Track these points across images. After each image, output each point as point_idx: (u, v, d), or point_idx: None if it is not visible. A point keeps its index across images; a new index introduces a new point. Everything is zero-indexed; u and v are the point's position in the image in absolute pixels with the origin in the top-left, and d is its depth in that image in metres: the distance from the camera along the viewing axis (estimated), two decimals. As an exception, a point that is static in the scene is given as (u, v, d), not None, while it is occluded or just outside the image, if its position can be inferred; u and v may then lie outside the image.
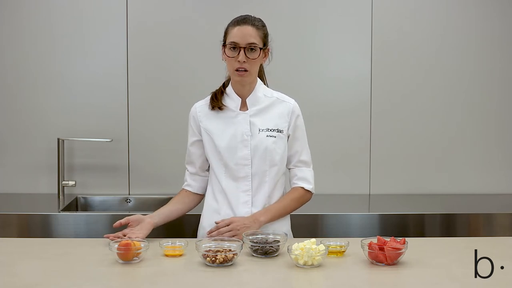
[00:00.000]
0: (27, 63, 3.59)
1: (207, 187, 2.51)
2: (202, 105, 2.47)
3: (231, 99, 2.43)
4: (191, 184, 2.52)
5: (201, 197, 2.54)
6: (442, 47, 3.69)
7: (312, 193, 2.53)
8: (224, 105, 2.42)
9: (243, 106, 2.43)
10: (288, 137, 2.46)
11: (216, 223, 2.36)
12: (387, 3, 3.66)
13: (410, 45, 3.68)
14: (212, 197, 2.47)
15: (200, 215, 2.53)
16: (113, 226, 2.34)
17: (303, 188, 2.49)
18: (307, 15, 3.65)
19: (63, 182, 3.49)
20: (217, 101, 2.43)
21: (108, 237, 2.27)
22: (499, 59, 3.70)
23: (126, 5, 3.58)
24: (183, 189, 2.54)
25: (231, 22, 2.38)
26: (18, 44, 3.58)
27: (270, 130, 2.41)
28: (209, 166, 2.50)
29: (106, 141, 3.53)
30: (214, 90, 2.49)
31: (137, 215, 2.39)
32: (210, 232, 2.34)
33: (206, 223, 2.47)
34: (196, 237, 2.53)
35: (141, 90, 3.63)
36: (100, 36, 3.60)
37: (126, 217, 2.36)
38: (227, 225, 2.33)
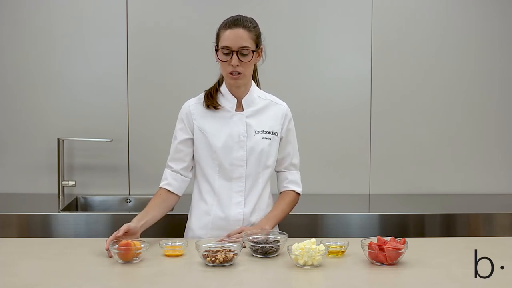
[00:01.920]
0: (27, 63, 3.59)
1: (193, 189, 2.48)
2: (195, 103, 2.44)
3: (227, 99, 2.41)
4: (172, 183, 2.43)
5: (177, 199, 2.46)
6: (442, 47, 3.69)
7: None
8: (220, 105, 2.41)
9: (238, 107, 2.42)
10: (280, 139, 2.46)
11: (228, 236, 2.29)
12: (387, 3, 3.66)
13: (410, 45, 3.68)
14: (200, 198, 2.44)
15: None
16: (116, 238, 2.19)
17: (294, 191, 2.51)
18: (307, 15, 3.65)
19: (63, 182, 3.49)
20: (212, 100, 2.40)
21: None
22: (499, 59, 3.70)
23: (126, 5, 3.58)
24: (162, 188, 2.43)
25: (222, 24, 2.34)
26: (18, 44, 3.58)
27: (266, 132, 2.41)
28: (192, 167, 2.48)
29: (106, 141, 3.53)
30: (207, 88, 2.46)
31: (135, 227, 2.26)
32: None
33: (195, 225, 2.45)
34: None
35: (141, 90, 3.63)
36: (100, 36, 3.60)
37: (127, 225, 2.24)
38: (238, 233, 2.30)
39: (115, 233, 2.20)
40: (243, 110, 2.42)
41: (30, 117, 3.61)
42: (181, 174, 2.45)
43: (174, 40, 3.62)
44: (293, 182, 2.50)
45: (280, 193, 2.53)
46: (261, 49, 2.39)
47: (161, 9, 3.62)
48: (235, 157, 2.38)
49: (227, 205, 2.40)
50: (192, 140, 2.43)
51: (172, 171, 2.45)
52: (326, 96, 3.68)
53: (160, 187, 2.45)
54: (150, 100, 3.63)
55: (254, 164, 2.40)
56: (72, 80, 3.61)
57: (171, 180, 2.44)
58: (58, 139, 3.50)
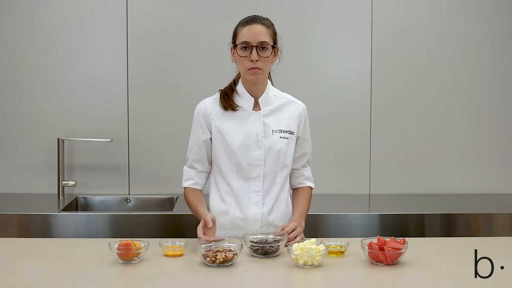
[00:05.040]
0: (27, 63, 3.59)
1: (211, 189, 2.48)
2: (212, 103, 2.43)
3: (244, 98, 2.41)
4: (200, 182, 2.46)
5: None
6: (442, 47, 3.69)
7: None
8: (237, 105, 2.40)
9: (255, 106, 2.42)
10: (297, 139, 2.47)
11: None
12: (387, 3, 3.66)
13: (410, 45, 3.68)
14: (219, 198, 2.44)
15: None
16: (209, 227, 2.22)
17: (310, 187, 2.55)
18: (307, 15, 3.65)
19: (63, 182, 3.49)
20: (229, 100, 2.40)
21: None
22: (499, 59, 3.70)
23: (126, 5, 3.58)
24: (190, 188, 2.45)
25: (240, 23, 2.36)
26: (18, 44, 3.58)
27: (283, 132, 2.41)
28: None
29: (106, 141, 3.53)
30: (221, 88, 2.45)
31: (212, 215, 2.30)
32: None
33: None
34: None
35: (141, 90, 3.63)
36: (100, 36, 3.60)
37: (210, 215, 2.25)
38: (294, 230, 2.33)
39: (203, 227, 2.21)
40: (260, 109, 2.42)
41: (30, 117, 3.61)
42: (205, 173, 2.47)
43: (174, 40, 3.61)
44: (309, 178, 2.55)
45: (295, 189, 2.55)
46: (277, 48, 2.40)
47: (161, 9, 3.61)
48: (253, 157, 2.38)
49: (245, 205, 2.40)
50: (211, 140, 2.43)
51: (197, 171, 2.46)
52: (326, 96, 3.68)
53: (187, 187, 2.45)
54: (150, 100, 3.63)
55: (272, 164, 2.40)
56: (72, 80, 3.61)
57: (198, 179, 2.46)
58: (58, 139, 3.50)
